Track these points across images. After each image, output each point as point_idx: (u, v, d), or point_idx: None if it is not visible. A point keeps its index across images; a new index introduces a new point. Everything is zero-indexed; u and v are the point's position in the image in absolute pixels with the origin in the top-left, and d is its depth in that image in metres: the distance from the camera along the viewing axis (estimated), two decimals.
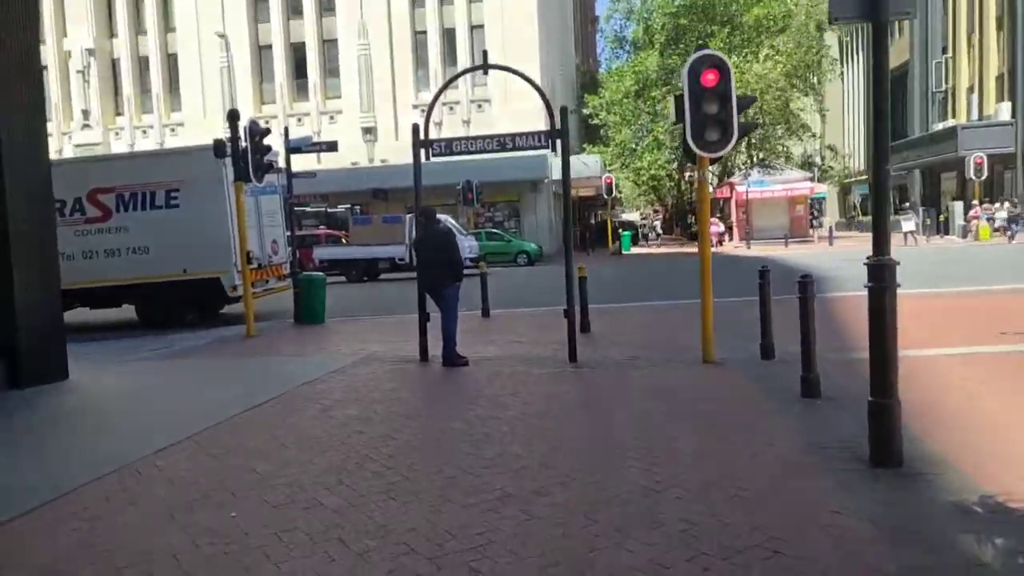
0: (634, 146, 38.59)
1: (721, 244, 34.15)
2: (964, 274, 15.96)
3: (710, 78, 6.79)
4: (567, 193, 7.99)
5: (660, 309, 12.62)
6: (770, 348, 7.70)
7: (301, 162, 22.07)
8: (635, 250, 34.75)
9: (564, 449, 4.96)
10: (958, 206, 32.09)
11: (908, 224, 27.71)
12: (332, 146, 14.64)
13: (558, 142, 7.74)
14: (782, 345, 7.74)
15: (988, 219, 28.68)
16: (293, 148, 14.22)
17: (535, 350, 9.03)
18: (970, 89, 36.14)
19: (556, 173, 33.06)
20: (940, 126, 37.76)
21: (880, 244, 4.23)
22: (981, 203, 29.67)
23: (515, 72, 8.42)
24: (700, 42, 32.99)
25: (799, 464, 4.43)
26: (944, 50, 38.90)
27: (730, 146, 7.01)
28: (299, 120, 34.81)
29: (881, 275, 4.20)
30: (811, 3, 33.15)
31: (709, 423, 5.41)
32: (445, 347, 8.20)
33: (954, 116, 37.69)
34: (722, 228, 35.69)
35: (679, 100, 7.04)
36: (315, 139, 19.50)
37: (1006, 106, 31.79)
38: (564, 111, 7.52)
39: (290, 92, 35.63)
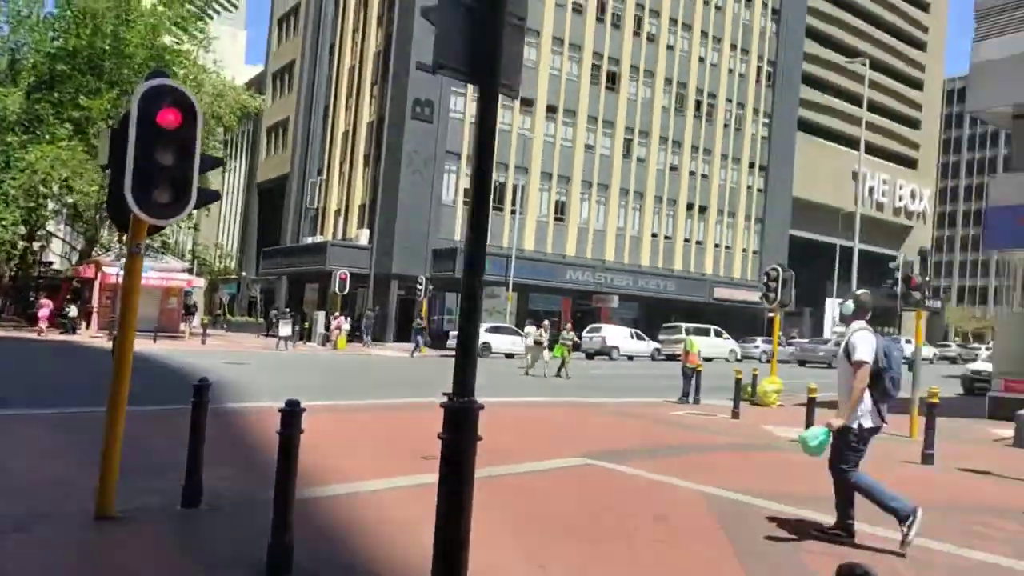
0: None
1: (73, 330, 29.09)
2: (360, 384, 16.58)
3: (170, 119, 4.93)
4: None
5: (9, 421, 9.06)
6: (198, 490, 5.80)
7: None
8: None
9: None
10: (320, 315, 34.91)
11: (285, 329, 28.54)
12: None
13: None
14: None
15: (335, 329, 31.71)
16: None
17: None
18: (338, 212, 40.82)
19: None
20: (311, 240, 41.31)
21: (464, 380, 3.18)
22: (342, 314, 32.86)
23: None
24: (82, 99, 28.76)
25: None
26: (319, 171, 43.30)
27: (184, 213, 5.18)
28: None
29: (461, 422, 3.14)
30: (214, 94, 32.49)
31: None
32: None
33: (323, 233, 41.82)
34: (50, 310, 29.97)
35: (117, 137, 4.92)
36: None
37: (365, 232, 36.77)
38: None
39: None
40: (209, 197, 5.83)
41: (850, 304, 5.52)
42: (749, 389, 18.04)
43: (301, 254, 39.74)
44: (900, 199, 64.85)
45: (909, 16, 68.15)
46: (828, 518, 5.72)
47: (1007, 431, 13.06)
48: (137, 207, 4.82)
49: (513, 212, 37.86)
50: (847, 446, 5.23)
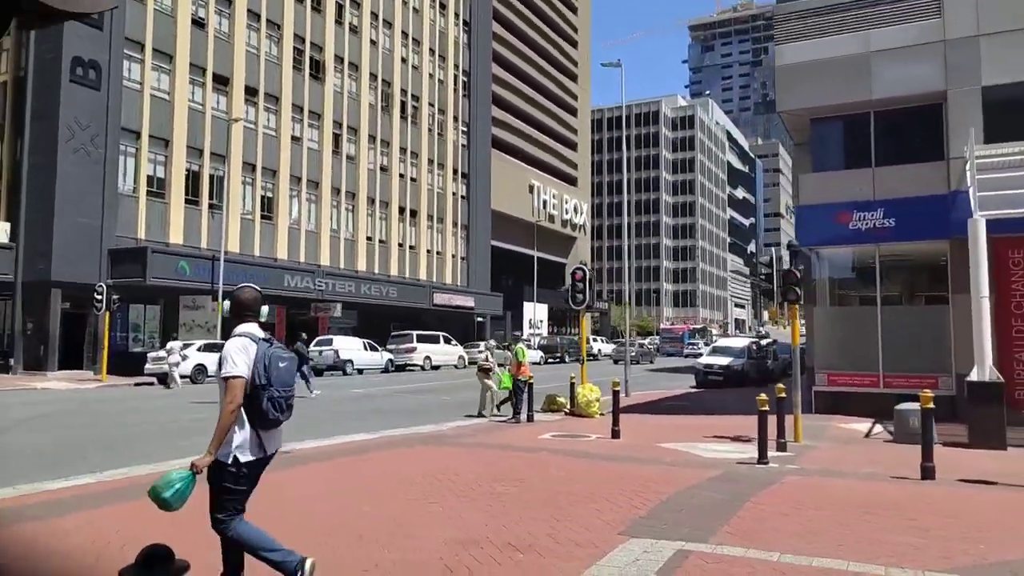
0: None
1: None
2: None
3: None
4: None
5: None
6: None
7: None
8: None
9: None
10: None
11: None
12: None
13: None
14: None
15: None
16: None
17: None
18: None
19: None
20: None
21: None
22: None
23: None
24: None
25: None
26: None
27: None
28: None
29: None
30: None
31: None
32: None
33: None
34: None
35: None
36: None
37: (4, 226, 27.42)
38: None
39: None
40: None
41: (227, 304, 4.04)
42: (560, 400, 16.52)
43: None
44: (567, 212, 70.84)
45: (562, 48, 74.90)
46: None
47: (859, 425, 13.23)
48: None
49: (213, 207, 31.68)
50: (223, 490, 3.77)
